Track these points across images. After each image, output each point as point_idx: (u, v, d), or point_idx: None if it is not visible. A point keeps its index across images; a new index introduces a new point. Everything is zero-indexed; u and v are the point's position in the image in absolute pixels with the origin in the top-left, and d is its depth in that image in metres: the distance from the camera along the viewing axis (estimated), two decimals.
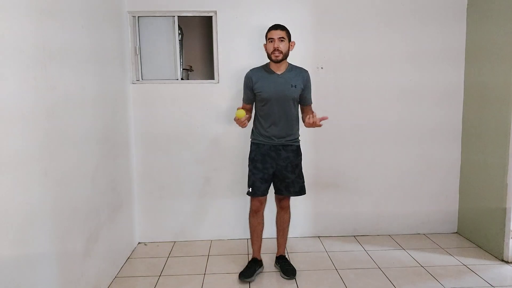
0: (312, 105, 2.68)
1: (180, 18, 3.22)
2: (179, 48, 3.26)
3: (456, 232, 3.42)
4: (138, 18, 3.18)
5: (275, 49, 2.44)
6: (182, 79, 3.33)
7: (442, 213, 3.40)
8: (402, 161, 3.34)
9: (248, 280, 2.57)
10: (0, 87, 1.45)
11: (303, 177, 2.66)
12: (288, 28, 2.52)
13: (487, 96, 2.99)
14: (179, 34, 3.25)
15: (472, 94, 3.19)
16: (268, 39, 2.49)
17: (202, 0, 3.11)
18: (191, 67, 4.07)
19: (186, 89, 3.22)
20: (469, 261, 2.85)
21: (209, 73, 3.87)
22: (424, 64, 3.25)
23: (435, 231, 3.41)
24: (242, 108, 2.59)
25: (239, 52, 3.16)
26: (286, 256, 2.84)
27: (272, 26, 2.51)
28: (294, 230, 3.37)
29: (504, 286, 2.49)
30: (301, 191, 2.65)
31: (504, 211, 2.81)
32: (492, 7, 2.92)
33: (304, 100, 2.61)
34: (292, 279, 2.60)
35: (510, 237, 2.82)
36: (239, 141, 3.25)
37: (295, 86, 2.50)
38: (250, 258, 2.80)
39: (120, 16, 2.93)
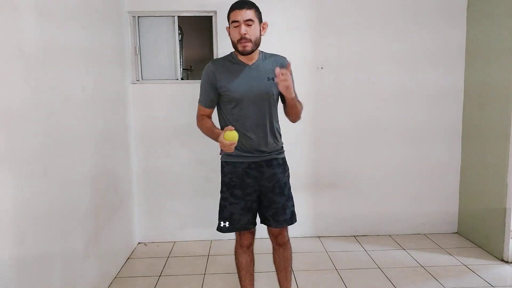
0: (297, 99, 1.96)
1: (180, 18, 3.22)
2: (179, 48, 3.26)
3: (456, 232, 3.42)
4: (138, 18, 3.17)
5: (242, 38, 1.81)
6: (182, 79, 3.33)
7: (442, 213, 3.40)
8: (402, 161, 3.34)
9: None
10: (0, 87, 1.45)
11: (292, 199, 2.06)
12: (256, 5, 1.88)
13: (487, 96, 2.98)
14: (179, 34, 3.25)
15: (472, 94, 3.18)
16: (232, 22, 1.84)
17: (202, 0, 3.11)
18: (191, 67, 4.08)
19: (186, 89, 3.22)
20: (469, 261, 2.85)
21: None
22: (424, 64, 3.24)
23: (435, 231, 3.41)
24: (203, 115, 2.03)
25: None
26: None
27: (235, 3, 1.85)
28: (294, 230, 3.35)
29: (504, 286, 2.48)
30: (292, 218, 2.04)
31: (504, 211, 2.81)
32: (492, 7, 2.92)
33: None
34: None
35: (510, 237, 2.82)
36: None
37: (272, 79, 1.86)
38: None
39: (120, 16, 2.93)
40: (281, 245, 2.10)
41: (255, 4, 1.87)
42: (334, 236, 3.36)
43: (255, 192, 2.00)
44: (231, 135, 1.74)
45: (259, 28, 1.87)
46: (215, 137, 1.89)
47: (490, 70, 2.95)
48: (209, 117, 2.05)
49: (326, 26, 3.18)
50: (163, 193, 3.27)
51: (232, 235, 3.45)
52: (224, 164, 2.08)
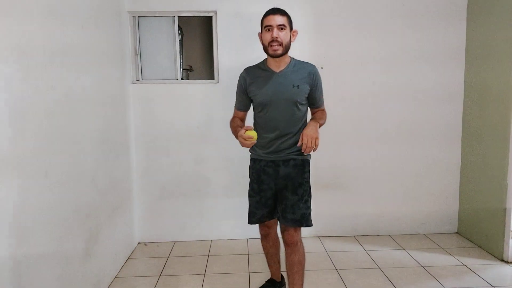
0: (323, 107, 2.18)
1: (180, 18, 3.22)
2: (179, 48, 3.26)
3: (456, 232, 3.42)
4: (138, 18, 3.17)
5: (273, 40, 1.93)
6: (182, 79, 3.33)
7: (442, 213, 3.40)
8: (402, 161, 3.34)
9: None
10: (1, 87, 1.45)
11: (309, 202, 2.07)
12: (289, 14, 2.04)
13: (487, 96, 2.99)
14: (179, 34, 3.25)
15: (472, 94, 3.19)
16: (265, 27, 1.97)
17: (202, 0, 3.11)
18: (191, 67, 4.07)
19: (186, 89, 3.22)
20: (469, 261, 2.85)
21: (209, 73, 3.87)
22: (424, 64, 3.24)
23: (435, 231, 3.41)
24: (235, 117, 2.20)
25: (239, 52, 3.16)
26: None
27: (270, 10, 1.97)
28: None
29: (504, 286, 2.49)
30: (302, 220, 2.01)
31: (504, 211, 2.81)
32: (492, 7, 2.92)
33: (313, 102, 2.11)
34: None
35: (510, 237, 2.82)
36: (239, 141, 3.24)
37: (298, 86, 2.00)
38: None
39: (120, 16, 2.93)
40: (288, 245, 2.08)
41: (287, 13, 2.01)
42: (334, 236, 3.36)
43: (270, 190, 2.10)
44: (250, 133, 1.91)
45: (290, 35, 1.99)
46: (237, 134, 2.00)
47: (490, 70, 2.95)
48: (241, 119, 2.20)
49: (326, 26, 3.18)
50: (163, 193, 3.27)
51: (232, 235, 3.47)
52: (250, 159, 2.22)
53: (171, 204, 3.28)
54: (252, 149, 2.17)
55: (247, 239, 3.31)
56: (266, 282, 2.46)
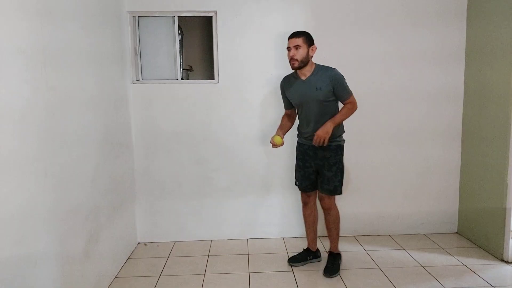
0: (351, 100, 2.59)
1: (180, 18, 3.22)
2: (179, 48, 3.26)
3: (456, 232, 3.42)
4: (138, 18, 3.17)
5: (291, 58, 2.51)
6: (182, 79, 3.33)
7: (442, 213, 3.40)
8: (402, 161, 3.34)
9: (294, 265, 2.79)
10: (0, 87, 1.45)
11: (340, 177, 2.65)
12: (307, 32, 2.56)
13: (487, 96, 2.99)
14: (179, 34, 3.25)
15: (472, 94, 3.19)
16: (287, 48, 2.56)
17: (202, 0, 3.11)
18: (191, 67, 4.07)
19: (186, 89, 3.22)
20: (469, 261, 2.85)
21: (209, 73, 3.87)
22: (424, 64, 3.24)
23: (435, 231, 3.41)
24: (284, 114, 2.83)
25: (239, 52, 3.16)
26: (338, 252, 2.80)
27: (290, 34, 2.56)
28: (294, 230, 3.37)
29: (504, 286, 2.49)
30: (335, 190, 2.64)
31: (504, 211, 2.81)
32: (492, 7, 2.92)
33: (339, 98, 2.59)
34: (329, 277, 2.62)
35: (510, 237, 2.82)
36: (239, 141, 3.25)
37: (320, 88, 2.52)
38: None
39: (120, 16, 2.93)
40: (325, 209, 2.72)
41: (304, 33, 2.55)
42: None
43: (311, 167, 2.69)
44: (275, 139, 2.60)
45: (306, 51, 2.52)
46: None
47: (490, 70, 2.95)
48: (289, 115, 2.84)
49: (326, 26, 3.18)
50: (163, 193, 3.27)
51: (232, 235, 3.48)
52: (297, 142, 2.82)
53: (171, 204, 3.28)
54: (298, 136, 2.79)
55: (247, 239, 3.32)
56: (303, 250, 2.92)
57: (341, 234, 3.35)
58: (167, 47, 3.23)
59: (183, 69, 3.55)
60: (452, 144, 3.34)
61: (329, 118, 2.56)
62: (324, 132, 2.47)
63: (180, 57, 3.30)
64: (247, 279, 2.62)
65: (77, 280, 2.07)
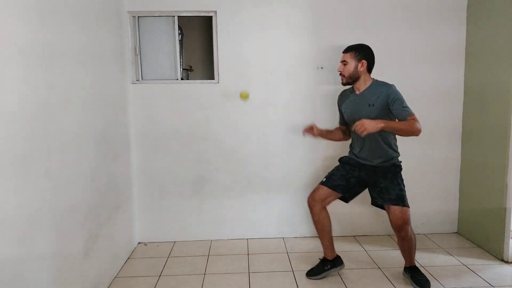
0: (411, 117, 2.30)
1: (180, 18, 3.22)
2: (179, 48, 3.26)
3: (456, 232, 3.42)
4: (138, 18, 3.18)
5: (339, 73, 2.46)
6: (182, 79, 3.33)
7: (442, 213, 3.40)
8: (402, 161, 3.32)
9: (312, 278, 2.60)
10: (1, 87, 1.45)
11: (399, 183, 2.40)
12: (358, 46, 2.44)
13: (487, 96, 2.99)
14: (179, 34, 3.25)
15: (472, 94, 3.19)
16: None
17: (202, 0, 3.11)
18: (191, 67, 4.07)
19: (186, 89, 3.22)
20: (469, 261, 2.85)
21: (209, 73, 3.87)
22: (424, 64, 3.24)
23: (435, 231, 3.41)
24: (338, 127, 2.73)
25: (239, 52, 3.16)
26: (414, 265, 2.55)
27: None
28: (294, 230, 3.37)
29: (504, 286, 2.48)
30: (401, 199, 2.34)
31: (504, 211, 2.81)
32: (492, 7, 2.92)
33: (396, 116, 2.33)
34: None
35: (510, 237, 2.82)
36: (239, 141, 3.25)
37: (373, 105, 2.33)
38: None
39: (120, 16, 2.93)
40: (395, 229, 2.38)
41: (353, 48, 2.43)
42: (334, 236, 3.32)
43: (354, 178, 2.50)
44: (242, 94, 2.89)
45: (353, 66, 2.39)
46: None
47: (490, 70, 2.95)
48: (341, 129, 2.71)
49: (326, 26, 3.18)
50: (163, 193, 3.27)
51: (232, 235, 3.46)
52: (349, 153, 2.63)
53: (171, 204, 3.28)
54: (349, 151, 2.61)
55: (247, 239, 3.31)
56: (319, 260, 2.68)
57: (341, 234, 3.38)
58: (167, 47, 3.23)
59: (183, 69, 3.55)
60: (452, 144, 3.34)
61: (384, 146, 2.40)
62: (367, 124, 2.14)
63: (180, 57, 3.30)
64: (247, 279, 2.62)
65: (76, 280, 2.07)
